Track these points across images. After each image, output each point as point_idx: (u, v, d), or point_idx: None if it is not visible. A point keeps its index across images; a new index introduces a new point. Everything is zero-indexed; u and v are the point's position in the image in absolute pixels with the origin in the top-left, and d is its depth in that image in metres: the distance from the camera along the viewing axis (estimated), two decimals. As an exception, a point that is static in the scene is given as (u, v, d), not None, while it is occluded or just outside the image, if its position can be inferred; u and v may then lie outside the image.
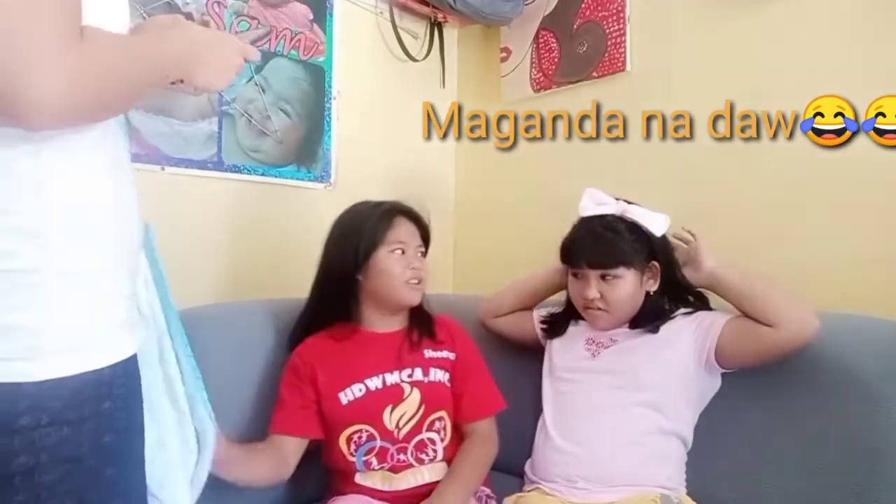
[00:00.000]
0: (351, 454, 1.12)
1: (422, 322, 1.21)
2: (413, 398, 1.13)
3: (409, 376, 1.15)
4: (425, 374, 1.16)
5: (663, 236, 1.19)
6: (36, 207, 0.58)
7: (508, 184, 1.88)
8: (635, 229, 1.17)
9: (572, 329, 1.27)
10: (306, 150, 1.67)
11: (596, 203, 1.22)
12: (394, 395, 1.13)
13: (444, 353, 1.20)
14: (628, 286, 1.16)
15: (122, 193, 0.68)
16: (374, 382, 1.14)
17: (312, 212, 1.67)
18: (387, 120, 1.85)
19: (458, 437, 1.19)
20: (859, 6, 1.26)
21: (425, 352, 1.18)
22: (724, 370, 1.12)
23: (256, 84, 1.57)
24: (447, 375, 1.18)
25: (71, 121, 0.59)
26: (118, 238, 0.66)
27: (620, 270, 1.15)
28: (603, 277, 1.16)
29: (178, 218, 1.37)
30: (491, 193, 1.91)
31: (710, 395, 1.15)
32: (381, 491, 1.12)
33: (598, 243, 1.16)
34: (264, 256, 1.59)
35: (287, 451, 1.10)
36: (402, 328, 1.21)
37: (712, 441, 1.13)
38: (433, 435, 1.15)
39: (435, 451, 1.14)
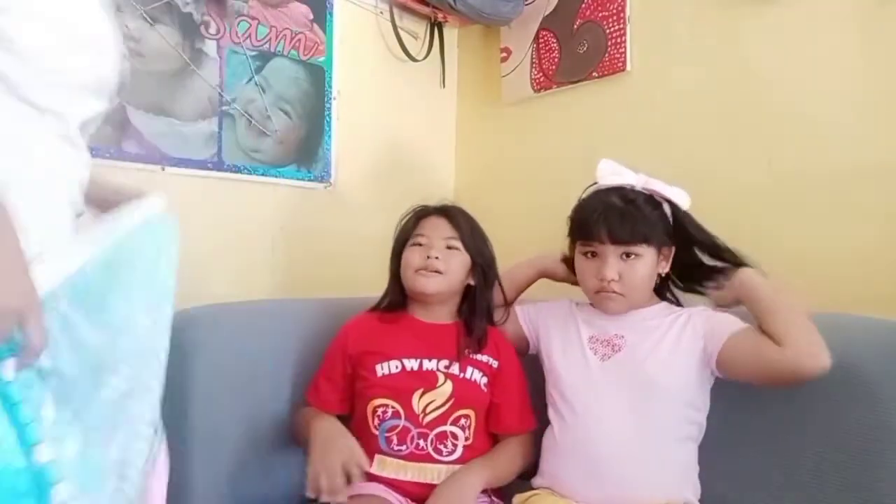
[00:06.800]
0: (375, 427, 1.14)
1: (472, 325, 1.22)
2: (444, 389, 1.15)
3: (447, 367, 1.17)
4: (462, 370, 1.18)
5: (682, 212, 1.12)
6: None
7: (508, 184, 1.88)
8: (653, 204, 1.10)
9: (568, 323, 1.18)
10: (306, 150, 1.67)
11: (612, 173, 1.13)
12: (427, 381, 1.15)
13: (486, 359, 1.20)
14: (647, 267, 1.08)
15: None
16: (411, 363, 1.16)
17: (312, 212, 1.67)
18: (387, 120, 1.85)
19: (488, 445, 1.19)
20: (860, 6, 1.26)
21: (466, 351, 1.20)
22: (720, 377, 1.07)
23: (256, 84, 1.58)
24: (485, 380, 1.19)
25: None
26: None
27: (642, 248, 1.06)
28: (625, 256, 1.07)
29: (177, 218, 1.37)
30: (491, 194, 1.91)
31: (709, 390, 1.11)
32: (396, 479, 1.13)
33: (621, 217, 1.06)
34: (264, 257, 1.59)
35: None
36: (451, 323, 1.23)
37: (713, 441, 1.12)
38: (456, 430, 1.15)
39: (455, 445, 1.15)
